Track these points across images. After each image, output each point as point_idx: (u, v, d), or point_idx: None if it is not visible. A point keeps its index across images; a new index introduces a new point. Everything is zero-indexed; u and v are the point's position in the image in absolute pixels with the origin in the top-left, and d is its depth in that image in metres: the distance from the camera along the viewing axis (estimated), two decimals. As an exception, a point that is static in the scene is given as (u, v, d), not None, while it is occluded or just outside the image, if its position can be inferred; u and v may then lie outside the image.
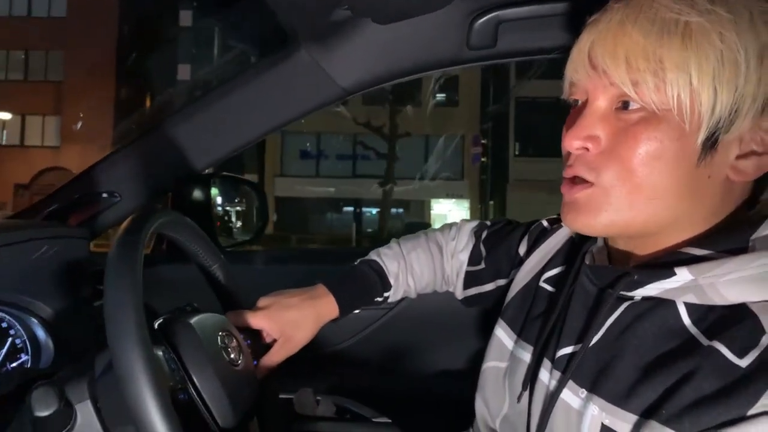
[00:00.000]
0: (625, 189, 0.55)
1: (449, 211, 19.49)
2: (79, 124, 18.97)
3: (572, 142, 0.58)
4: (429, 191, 19.31)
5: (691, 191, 0.55)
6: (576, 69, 0.58)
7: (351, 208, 20.68)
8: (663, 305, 0.56)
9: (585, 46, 0.57)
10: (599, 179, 0.56)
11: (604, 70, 0.55)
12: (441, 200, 19.86)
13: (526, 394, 0.68)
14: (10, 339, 0.89)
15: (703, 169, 0.54)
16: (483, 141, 17.99)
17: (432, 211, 19.80)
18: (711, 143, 0.53)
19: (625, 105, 0.55)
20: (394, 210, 18.58)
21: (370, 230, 18.86)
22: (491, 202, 18.94)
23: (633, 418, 0.53)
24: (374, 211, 20.38)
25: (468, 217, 1.06)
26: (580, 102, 0.61)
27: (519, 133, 18.27)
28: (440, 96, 19.13)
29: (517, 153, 18.39)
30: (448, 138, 18.68)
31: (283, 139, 20.06)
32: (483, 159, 18.08)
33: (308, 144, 20.20)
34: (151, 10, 19.43)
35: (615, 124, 0.56)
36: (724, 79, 0.50)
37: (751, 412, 0.45)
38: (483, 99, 19.14)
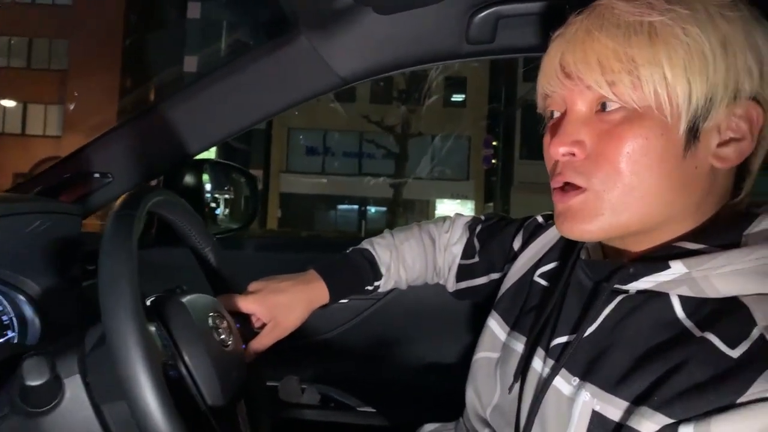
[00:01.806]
0: (618, 190, 0.56)
1: (453, 211, 19.39)
2: (72, 106, 18.61)
3: (558, 149, 0.59)
4: (434, 191, 19.31)
5: (682, 184, 0.56)
6: (549, 81, 0.60)
7: (356, 206, 20.62)
8: (657, 298, 0.57)
9: (555, 57, 0.59)
10: (590, 183, 0.57)
11: (579, 76, 0.57)
12: (445, 200, 19.85)
13: (518, 384, 0.69)
14: (-4, 315, 0.88)
15: (690, 160, 0.55)
16: (494, 143, 18.07)
17: (436, 212, 19.68)
18: (693, 134, 0.55)
19: (603, 106, 0.57)
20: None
21: (377, 228, 18.71)
22: (491, 204, 18.96)
23: (624, 404, 0.54)
24: (374, 209, 20.35)
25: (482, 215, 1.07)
26: (557, 113, 0.62)
27: (524, 135, 18.28)
28: (448, 97, 19.17)
29: (521, 155, 18.44)
30: (454, 139, 18.70)
31: (289, 135, 19.99)
32: (493, 161, 18.14)
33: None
34: (159, 0, 19.23)
35: (598, 126, 0.57)
36: (695, 70, 0.53)
37: (741, 400, 0.46)
38: (490, 101, 19.17)
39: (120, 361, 0.51)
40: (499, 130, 18.82)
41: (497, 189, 18.74)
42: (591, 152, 0.58)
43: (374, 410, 1.15)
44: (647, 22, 0.54)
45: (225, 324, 0.72)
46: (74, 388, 0.60)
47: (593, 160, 0.57)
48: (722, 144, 0.56)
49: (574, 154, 0.58)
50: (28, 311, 0.91)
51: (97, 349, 0.61)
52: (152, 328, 0.62)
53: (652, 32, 0.53)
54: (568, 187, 0.60)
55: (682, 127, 0.54)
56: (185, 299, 0.68)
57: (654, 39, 0.53)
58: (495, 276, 0.92)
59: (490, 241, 0.94)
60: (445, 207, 19.72)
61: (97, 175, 1.06)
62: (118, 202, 0.62)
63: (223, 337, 0.70)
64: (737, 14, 0.54)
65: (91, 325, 0.63)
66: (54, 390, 0.59)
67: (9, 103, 19.08)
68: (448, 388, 0.93)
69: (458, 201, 19.78)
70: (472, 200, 19.83)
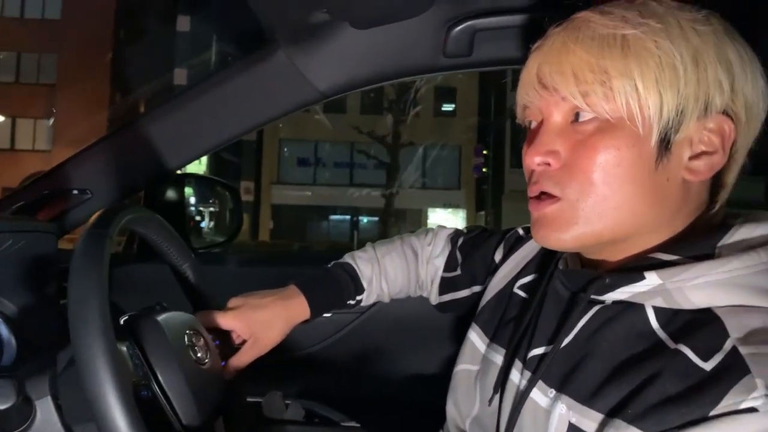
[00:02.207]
0: (591, 200, 0.57)
1: (445, 220, 19.29)
2: (62, 120, 18.49)
3: (533, 159, 0.60)
4: (426, 200, 19.33)
5: (654, 195, 0.56)
6: (527, 92, 0.61)
7: (348, 217, 20.61)
8: (632, 309, 0.57)
9: (533, 69, 0.60)
10: (565, 193, 0.58)
11: (554, 87, 0.58)
12: (437, 209, 19.82)
13: (497, 396, 0.69)
14: (-30, 335, 0.86)
15: (662, 172, 0.56)
16: (484, 152, 18.17)
17: (428, 221, 19.64)
18: (665, 145, 0.55)
19: (577, 117, 0.58)
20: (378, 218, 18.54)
21: (369, 238, 18.51)
22: (482, 212, 19.00)
23: (599, 416, 0.54)
24: (366, 219, 20.36)
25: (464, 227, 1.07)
26: (534, 123, 0.63)
27: (514, 144, 18.26)
28: (438, 106, 19.34)
29: (512, 164, 18.46)
30: (445, 148, 18.76)
31: (280, 146, 20.00)
32: (484, 170, 18.24)
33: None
34: (148, 13, 19.15)
35: (573, 137, 0.58)
36: (666, 83, 0.54)
37: (713, 412, 0.46)
38: (480, 110, 19.27)
39: (87, 382, 0.50)
40: (490, 138, 18.91)
41: (488, 197, 18.80)
42: (565, 162, 0.58)
43: (358, 425, 1.14)
44: (620, 35, 0.55)
45: (202, 342, 0.72)
46: (45, 410, 0.59)
47: (568, 170, 0.58)
48: (694, 157, 0.56)
49: (549, 164, 0.59)
50: (4, 331, 0.89)
51: (68, 369, 0.60)
52: (123, 348, 0.61)
53: (625, 45, 0.54)
54: (544, 196, 0.60)
55: (654, 138, 0.55)
56: (161, 317, 0.68)
57: (627, 51, 0.54)
58: (477, 289, 0.92)
59: (472, 254, 0.94)
60: (437, 216, 19.73)
61: (75, 192, 1.05)
62: (91, 220, 0.62)
63: (199, 355, 0.70)
64: (709, 28, 0.55)
65: (65, 344, 0.62)
66: (25, 412, 0.58)
67: (-1, 118, 19.04)
68: (431, 401, 0.92)
69: (450, 210, 19.80)
70: (464, 209, 19.87)
